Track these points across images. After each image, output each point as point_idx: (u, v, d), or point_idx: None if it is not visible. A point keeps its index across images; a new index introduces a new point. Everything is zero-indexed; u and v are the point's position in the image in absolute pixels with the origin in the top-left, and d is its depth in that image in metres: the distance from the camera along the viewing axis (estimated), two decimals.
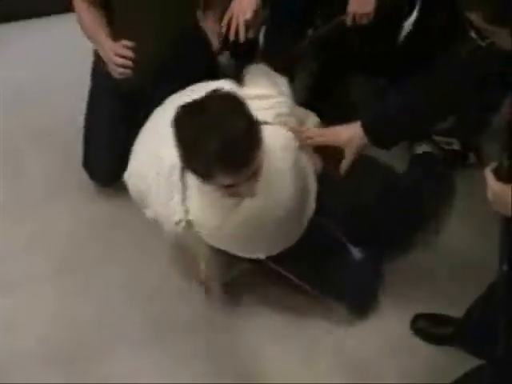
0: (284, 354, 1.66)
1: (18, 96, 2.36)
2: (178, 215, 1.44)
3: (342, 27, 1.73)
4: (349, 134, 1.41)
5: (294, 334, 1.70)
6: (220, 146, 1.20)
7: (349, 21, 1.68)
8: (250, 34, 1.60)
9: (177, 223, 1.45)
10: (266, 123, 1.41)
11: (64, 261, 1.87)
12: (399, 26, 2.01)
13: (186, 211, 1.44)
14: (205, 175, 1.29)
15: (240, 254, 1.53)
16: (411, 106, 1.37)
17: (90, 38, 1.74)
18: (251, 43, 1.92)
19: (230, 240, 1.50)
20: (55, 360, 1.64)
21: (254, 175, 1.33)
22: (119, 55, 1.61)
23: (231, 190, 1.35)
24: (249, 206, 1.41)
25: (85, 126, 1.97)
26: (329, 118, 1.61)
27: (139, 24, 1.69)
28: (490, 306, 1.34)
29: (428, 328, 1.68)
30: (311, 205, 1.54)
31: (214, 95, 1.28)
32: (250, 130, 1.25)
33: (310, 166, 1.55)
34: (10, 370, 1.62)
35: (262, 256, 1.54)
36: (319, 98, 2.01)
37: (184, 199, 1.44)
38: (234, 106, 1.26)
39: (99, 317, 1.74)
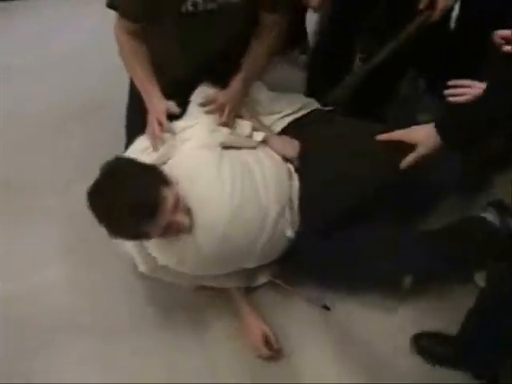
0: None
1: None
2: (144, 265, 1.59)
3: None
4: (425, 133, 1.43)
5: None
6: (130, 211, 1.30)
7: (436, 16, 1.62)
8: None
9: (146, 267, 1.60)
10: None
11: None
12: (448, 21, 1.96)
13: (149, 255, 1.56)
14: (137, 237, 1.42)
15: (223, 271, 1.61)
16: (482, 105, 1.35)
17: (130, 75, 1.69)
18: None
19: (201, 267, 1.57)
20: None
21: (176, 207, 1.38)
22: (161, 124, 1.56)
23: (171, 230, 1.41)
24: (201, 235, 1.48)
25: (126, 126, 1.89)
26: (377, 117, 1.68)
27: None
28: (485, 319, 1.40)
29: (432, 347, 1.62)
30: (272, 192, 1.57)
31: (114, 170, 1.37)
32: (149, 185, 1.35)
33: (262, 158, 1.63)
34: None
35: (251, 265, 1.62)
36: (368, 96, 1.97)
37: (144, 246, 1.55)
38: (133, 172, 1.38)
39: None
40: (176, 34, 1.61)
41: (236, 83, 1.67)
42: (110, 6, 1.72)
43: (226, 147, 1.59)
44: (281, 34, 1.68)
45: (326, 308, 1.71)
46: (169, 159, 1.55)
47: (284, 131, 1.77)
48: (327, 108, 1.86)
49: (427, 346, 1.63)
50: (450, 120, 1.41)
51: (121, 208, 1.30)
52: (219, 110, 1.62)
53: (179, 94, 1.66)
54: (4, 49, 2.73)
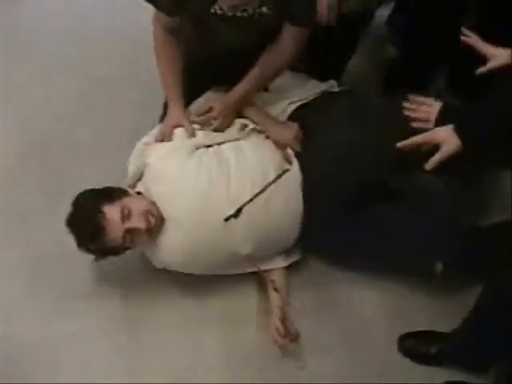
0: None
1: None
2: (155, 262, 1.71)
3: None
4: (447, 133, 1.40)
5: None
6: (82, 236, 1.55)
7: None
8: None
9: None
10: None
11: None
12: None
13: None
14: (105, 253, 1.60)
15: (213, 259, 1.65)
16: (503, 109, 1.35)
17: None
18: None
19: (184, 261, 1.64)
20: None
21: (125, 217, 1.52)
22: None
23: (135, 235, 1.55)
24: (170, 230, 1.60)
25: None
26: None
27: None
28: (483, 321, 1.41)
29: (416, 347, 1.64)
30: (249, 181, 1.60)
31: (74, 203, 1.58)
32: (90, 211, 1.54)
33: (244, 148, 1.66)
34: None
35: (243, 251, 1.63)
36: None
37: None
38: (81, 203, 1.58)
39: None
40: (205, 32, 1.63)
41: (236, 92, 1.69)
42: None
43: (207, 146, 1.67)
44: (298, 51, 1.65)
45: None
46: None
47: (290, 117, 1.79)
48: (337, 89, 1.88)
49: (411, 346, 1.64)
50: (469, 124, 1.39)
51: (76, 230, 1.56)
52: (213, 119, 1.70)
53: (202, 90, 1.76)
54: None
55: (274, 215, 1.63)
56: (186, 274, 1.71)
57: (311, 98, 1.82)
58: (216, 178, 1.59)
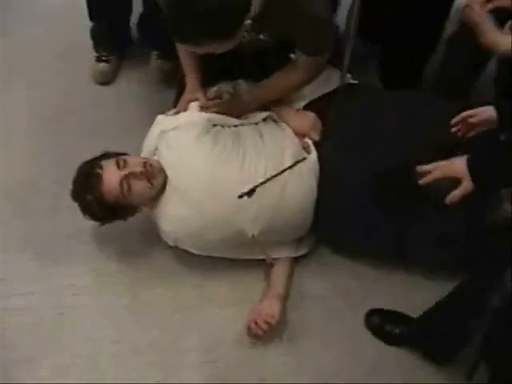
0: None
1: None
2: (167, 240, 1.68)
3: None
4: (464, 167, 1.35)
5: None
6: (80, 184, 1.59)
7: None
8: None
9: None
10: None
11: None
12: None
13: None
14: (108, 208, 1.57)
15: (217, 237, 1.61)
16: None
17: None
18: None
19: (193, 234, 1.61)
20: None
21: (120, 166, 1.54)
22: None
23: (132, 179, 1.54)
24: (178, 201, 1.59)
25: None
26: None
27: None
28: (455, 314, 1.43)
29: (382, 325, 1.66)
30: (263, 166, 1.59)
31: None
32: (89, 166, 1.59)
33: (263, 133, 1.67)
34: None
35: (249, 232, 1.59)
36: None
37: None
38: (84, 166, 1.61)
39: None
40: None
41: (247, 96, 1.74)
42: None
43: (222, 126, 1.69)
44: (312, 77, 1.67)
45: None
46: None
47: (308, 106, 1.79)
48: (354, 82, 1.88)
49: (377, 323, 1.67)
50: (479, 164, 1.34)
51: (76, 188, 1.58)
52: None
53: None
54: None
55: (288, 201, 1.61)
56: (193, 256, 1.69)
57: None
58: (230, 156, 1.59)
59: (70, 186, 1.59)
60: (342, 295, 1.74)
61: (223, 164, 1.58)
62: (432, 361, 1.60)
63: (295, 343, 1.65)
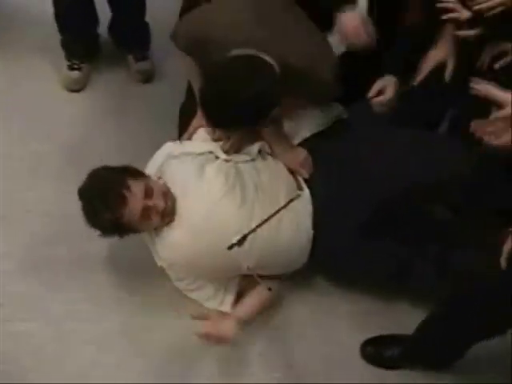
0: None
1: None
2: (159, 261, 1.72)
3: None
4: None
5: None
6: (100, 199, 1.55)
7: None
8: None
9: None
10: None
11: None
12: None
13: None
14: (115, 224, 1.58)
15: (210, 267, 1.67)
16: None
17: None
18: None
19: (186, 259, 1.65)
20: None
21: (147, 194, 1.57)
22: None
23: (151, 213, 1.58)
24: (179, 227, 1.63)
25: None
26: None
27: None
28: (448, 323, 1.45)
29: (379, 352, 1.68)
30: (260, 201, 1.65)
31: (92, 174, 1.61)
32: (115, 179, 1.59)
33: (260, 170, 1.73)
34: None
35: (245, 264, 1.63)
36: None
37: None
38: (103, 174, 1.62)
39: None
40: None
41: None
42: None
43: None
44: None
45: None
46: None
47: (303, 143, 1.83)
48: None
49: (374, 352, 1.69)
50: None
51: (94, 198, 1.56)
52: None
53: None
54: None
55: (283, 239, 1.67)
56: None
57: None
58: (231, 191, 1.63)
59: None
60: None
61: (224, 197, 1.62)
62: (433, 370, 1.65)
63: None
